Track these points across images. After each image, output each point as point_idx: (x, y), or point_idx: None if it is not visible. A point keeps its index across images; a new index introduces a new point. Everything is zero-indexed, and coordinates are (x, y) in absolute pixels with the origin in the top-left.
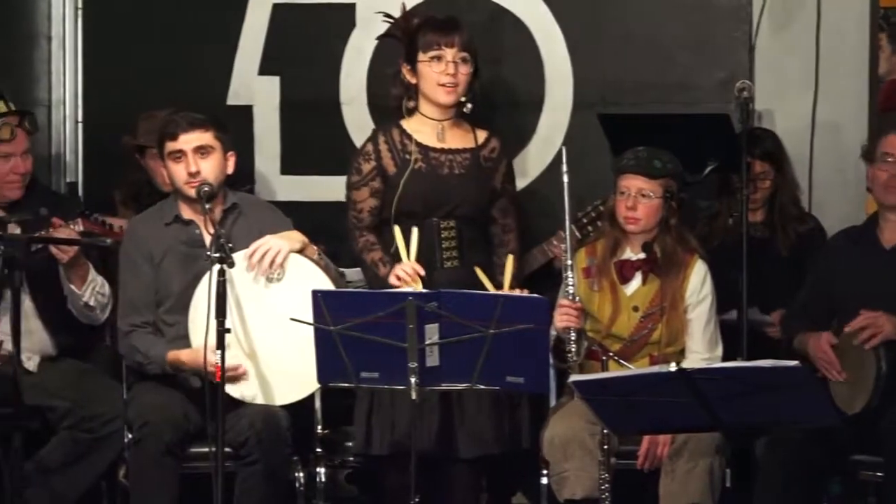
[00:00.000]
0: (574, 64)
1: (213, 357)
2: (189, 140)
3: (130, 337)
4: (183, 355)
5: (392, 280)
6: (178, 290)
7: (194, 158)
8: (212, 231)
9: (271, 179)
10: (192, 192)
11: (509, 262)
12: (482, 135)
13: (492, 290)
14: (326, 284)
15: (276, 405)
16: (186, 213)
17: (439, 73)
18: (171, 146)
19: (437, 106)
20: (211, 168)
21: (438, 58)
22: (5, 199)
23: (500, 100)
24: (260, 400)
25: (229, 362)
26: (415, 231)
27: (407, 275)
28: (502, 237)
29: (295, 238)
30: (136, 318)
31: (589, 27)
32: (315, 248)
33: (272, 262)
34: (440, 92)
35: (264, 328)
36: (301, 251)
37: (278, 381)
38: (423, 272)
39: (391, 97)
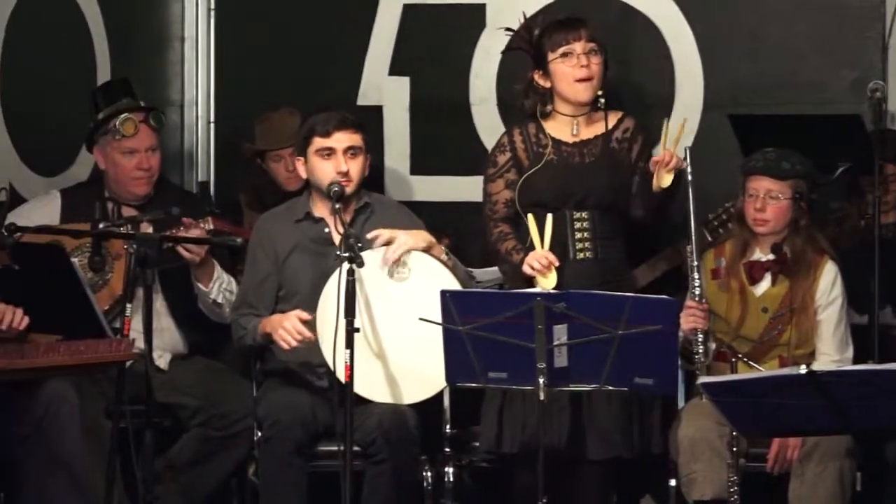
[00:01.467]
0: (704, 64)
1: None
2: (341, 139)
3: (236, 319)
4: (274, 321)
5: (525, 269)
6: (305, 288)
7: (344, 158)
8: (341, 230)
9: (401, 180)
10: (338, 187)
11: (549, 220)
12: (614, 118)
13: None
14: (452, 283)
15: (404, 404)
16: (318, 210)
17: (573, 68)
18: (321, 143)
19: (575, 103)
20: (357, 169)
21: (569, 53)
22: (134, 196)
23: (629, 100)
24: (388, 399)
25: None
26: (549, 218)
27: (540, 264)
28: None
29: (422, 237)
30: (245, 309)
31: (720, 27)
32: (442, 247)
33: (396, 250)
34: (578, 88)
35: (392, 327)
36: (427, 250)
37: (406, 379)
38: (557, 262)
39: (526, 108)
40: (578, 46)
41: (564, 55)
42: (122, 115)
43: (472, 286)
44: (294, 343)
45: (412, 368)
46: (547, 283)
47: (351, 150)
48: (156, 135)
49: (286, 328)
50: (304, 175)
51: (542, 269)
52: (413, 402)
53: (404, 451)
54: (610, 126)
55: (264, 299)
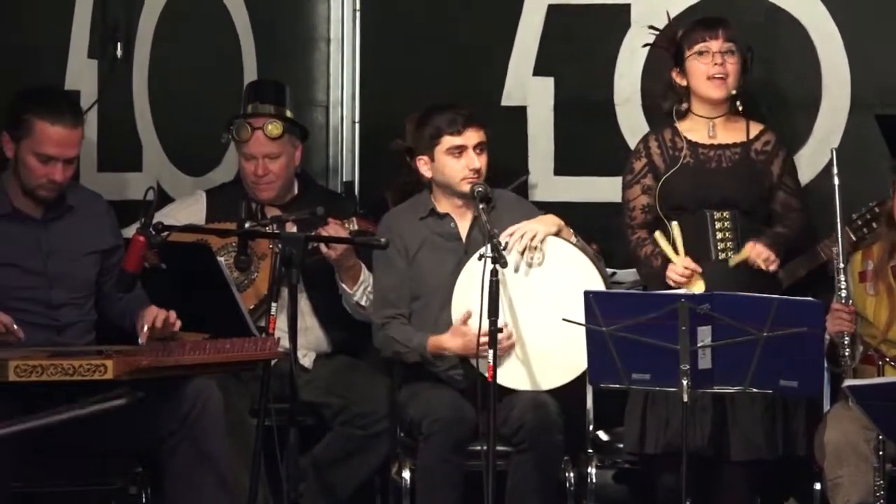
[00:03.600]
0: (851, 64)
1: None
2: (471, 137)
3: (386, 328)
4: (445, 340)
5: (669, 283)
6: (434, 284)
7: (475, 155)
8: (469, 224)
9: (544, 180)
10: (466, 188)
11: (675, 228)
12: (755, 129)
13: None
14: (586, 265)
15: (544, 390)
16: (442, 206)
17: (707, 66)
18: (452, 141)
19: (708, 102)
20: (485, 165)
21: (705, 51)
22: (268, 200)
23: (775, 101)
24: (527, 386)
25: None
26: (675, 226)
27: (683, 276)
28: (783, 217)
29: (550, 221)
30: (390, 310)
31: (867, 26)
32: (571, 230)
33: (531, 241)
34: (710, 86)
35: (529, 314)
36: (557, 234)
37: (544, 366)
38: (698, 269)
39: (663, 109)
40: (714, 45)
41: (700, 53)
42: (238, 121)
43: (602, 266)
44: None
45: (550, 354)
46: (695, 290)
47: (479, 147)
48: (276, 142)
49: (679, 273)
50: (427, 174)
51: (685, 280)
52: (553, 388)
53: (548, 439)
54: (751, 136)
55: (404, 297)
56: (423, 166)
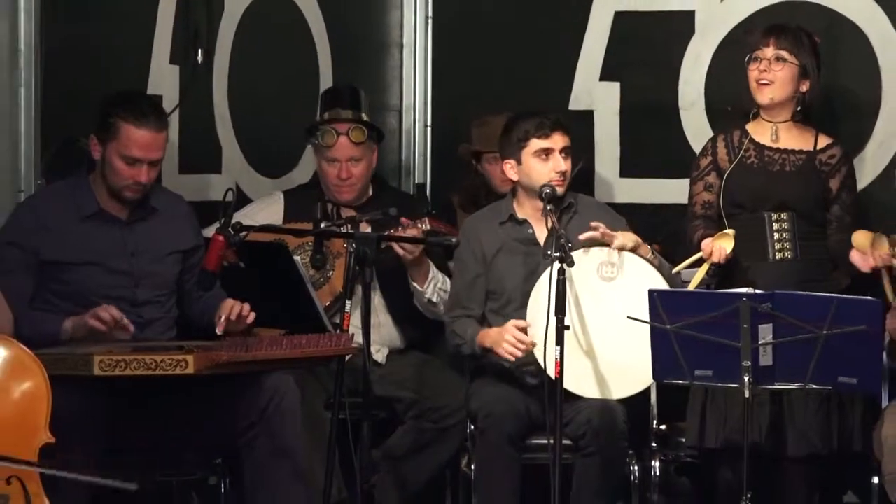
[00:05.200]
0: None
1: (554, 351)
2: (558, 140)
3: (453, 325)
4: (492, 334)
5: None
6: (512, 287)
7: (561, 158)
8: (546, 230)
9: (611, 182)
10: (549, 189)
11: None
12: (824, 140)
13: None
14: (660, 282)
15: (613, 399)
16: (522, 212)
17: (756, 71)
18: (539, 144)
19: (771, 108)
20: (570, 169)
21: (758, 58)
22: (347, 201)
23: (836, 106)
24: (597, 395)
25: (523, 337)
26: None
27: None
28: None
29: (630, 238)
30: (458, 310)
31: None
32: (648, 247)
33: (603, 235)
34: (756, 90)
35: (601, 325)
36: (634, 250)
37: (614, 376)
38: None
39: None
40: (766, 52)
41: (755, 59)
42: (323, 126)
43: (678, 284)
44: (519, 354)
45: (620, 365)
46: (724, 244)
47: (564, 151)
48: (359, 147)
49: (508, 341)
50: (513, 177)
51: (708, 251)
52: (621, 398)
53: (613, 445)
54: (818, 146)
55: (476, 299)
56: (510, 170)
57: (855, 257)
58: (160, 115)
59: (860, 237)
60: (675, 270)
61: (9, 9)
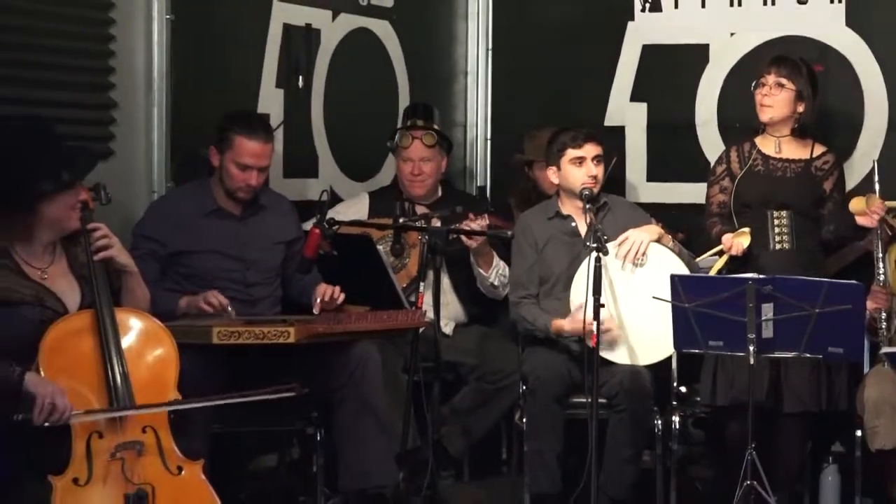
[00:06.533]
0: (889, 92)
1: (591, 326)
2: (590, 150)
3: (519, 307)
4: (565, 324)
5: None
6: (559, 272)
7: (593, 164)
8: (586, 224)
9: (639, 185)
10: (588, 191)
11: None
12: (819, 149)
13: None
14: (681, 267)
15: (641, 365)
16: (566, 209)
17: (759, 95)
18: (574, 153)
19: (775, 125)
20: (601, 174)
21: (763, 84)
22: (414, 196)
23: (827, 121)
24: (627, 361)
25: (604, 328)
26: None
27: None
28: (826, 228)
29: (653, 230)
30: (522, 291)
31: None
32: (670, 237)
33: (637, 253)
34: (760, 112)
35: (631, 303)
36: (658, 240)
37: (642, 346)
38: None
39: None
40: (768, 79)
41: (760, 84)
42: (401, 131)
43: (696, 270)
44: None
45: (647, 336)
46: (744, 241)
47: (596, 158)
48: (430, 149)
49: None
50: (555, 181)
51: (729, 245)
52: (648, 364)
53: (641, 403)
54: (814, 154)
55: (534, 281)
56: (553, 175)
57: (861, 220)
58: (268, 130)
59: (855, 203)
60: (698, 259)
61: (144, 43)
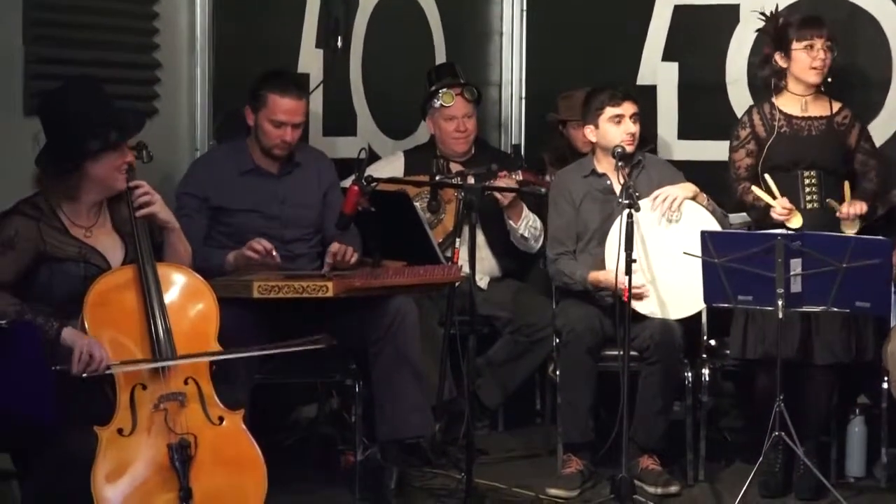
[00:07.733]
0: None
1: (624, 280)
2: (628, 108)
3: (557, 262)
4: (601, 276)
5: (776, 217)
6: (594, 228)
7: (631, 122)
8: (621, 182)
9: (670, 143)
10: (621, 149)
11: (846, 186)
12: (836, 106)
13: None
14: (714, 224)
15: (672, 319)
16: (601, 167)
17: (812, 58)
18: (612, 111)
19: (804, 84)
20: (638, 131)
21: (812, 46)
22: (456, 153)
23: (854, 82)
24: (659, 315)
25: (636, 284)
26: (767, 177)
27: (783, 211)
28: (864, 175)
29: (689, 188)
30: (559, 247)
31: None
32: (705, 195)
33: (671, 205)
34: (811, 73)
35: (664, 259)
36: (693, 198)
37: (673, 300)
38: (792, 206)
39: (759, 77)
40: (819, 43)
41: (808, 47)
42: (443, 90)
43: (727, 225)
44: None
45: (678, 291)
46: (795, 223)
47: (633, 116)
48: (470, 105)
49: (784, 207)
50: (593, 139)
51: (786, 215)
52: (678, 318)
53: (671, 355)
54: (833, 111)
55: (571, 236)
56: (590, 133)
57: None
58: (300, 87)
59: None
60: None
61: (188, 4)
